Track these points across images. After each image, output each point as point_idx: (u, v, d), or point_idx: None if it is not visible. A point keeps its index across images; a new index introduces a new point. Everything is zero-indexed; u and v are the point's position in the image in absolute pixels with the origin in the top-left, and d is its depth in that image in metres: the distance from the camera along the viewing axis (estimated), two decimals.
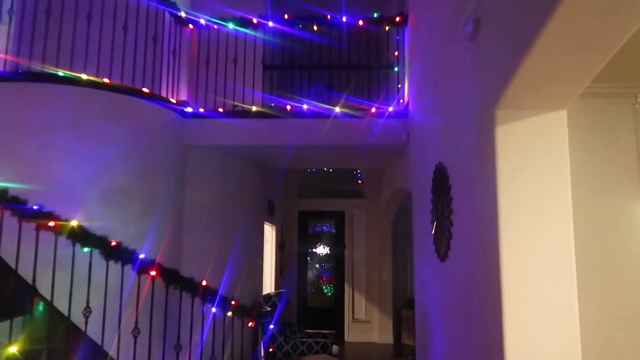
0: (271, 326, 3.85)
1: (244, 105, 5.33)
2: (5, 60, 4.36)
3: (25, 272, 3.28)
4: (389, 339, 8.73)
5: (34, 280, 3.23)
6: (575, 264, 2.20)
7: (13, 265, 3.25)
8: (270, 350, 5.08)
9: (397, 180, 6.27)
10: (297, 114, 5.22)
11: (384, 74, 6.46)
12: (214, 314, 3.72)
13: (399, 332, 8.77)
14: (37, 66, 4.23)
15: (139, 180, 4.44)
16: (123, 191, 4.28)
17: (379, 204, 8.96)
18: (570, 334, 2.16)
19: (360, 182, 9.62)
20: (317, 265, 9.79)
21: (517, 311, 2.18)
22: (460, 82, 2.97)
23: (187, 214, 5.08)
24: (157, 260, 3.54)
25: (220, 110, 5.25)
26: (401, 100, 5.53)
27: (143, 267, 3.43)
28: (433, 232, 3.70)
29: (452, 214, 3.20)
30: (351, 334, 9.03)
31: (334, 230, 9.74)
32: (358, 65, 6.02)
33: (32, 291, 3.34)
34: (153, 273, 3.46)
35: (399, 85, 5.67)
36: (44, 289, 3.34)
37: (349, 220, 9.47)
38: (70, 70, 4.20)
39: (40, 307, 3.49)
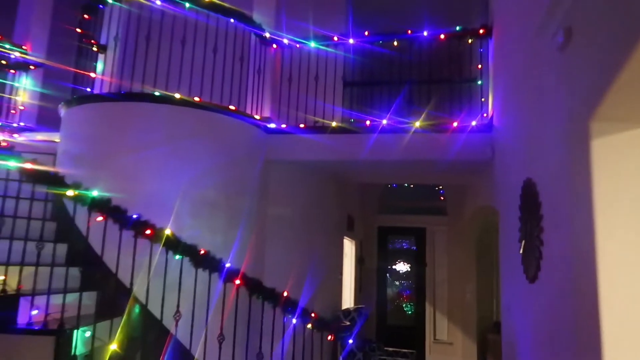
0: (350, 341, 3.83)
1: (324, 121, 5.44)
2: (110, 82, 4.81)
3: (122, 277, 3.56)
4: None
5: (131, 284, 3.48)
6: None
7: (114, 270, 3.54)
8: None
9: (482, 197, 6.04)
10: (376, 129, 5.22)
11: (466, 88, 6.29)
12: (294, 325, 3.78)
13: (484, 358, 8.34)
14: (137, 87, 4.62)
15: (225, 193, 4.66)
16: (211, 203, 4.51)
17: (461, 221, 8.66)
18: None
19: (442, 198, 9.37)
20: (397, 282, 9.63)
21: (618, 341, 2.00)
22: (549, 93, 2.83)
23: (269, 227, 5.24)
24: (241, 270, 3.69)
25: (302, 126, 5.39)
26: (485, 115, 5.35)
27: (229, 276, 3.58)
28: (521, 251, 3.51)
29: (542, 232, 3.02)
30: (432, 355, 8.75)
31: (414, 247, 9.55)
32: (439, 80, 5.93)
33: (129, 295, 3.61)
34: (238, 282, 3.61)
35: (482, 99, 5.49)
36: (139, 293, 3.60)
37: (430, 237, 9.25)
38: (166, 90, 4.54)
39: (137, 309, 3.75)
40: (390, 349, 6.30)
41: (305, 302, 3.98)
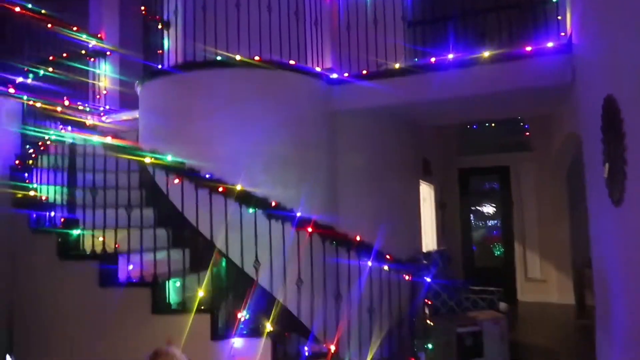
0: (428, 279, 3.85)
1: (388, 65, 5.29)
2: (176, 55, 5.02)
3: (205, 234, 3.82)
4: (569, 299, 8.00)
5: (211, 237, 3.73)
6: None
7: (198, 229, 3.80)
8: (428, 302, 5.11)
9: (566, 125, 5.62)
10: (442, 65, 4.98)
11: (539, 9, 5.75)
12: (370, 267, 3.86)
13: (582, 292, 7.97)
14: (200, 56, 4.78)
15: (294, 148, 4.76)
16: (281, 160, 4.64)
17: (549, 155, 8.15)
18: None
19: (527, 133, 8.84)
20: (482, 224, 9.39)
21: None
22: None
23: (341, 178, 5.29)
24: (312, 219, 3.80)
25: (364, 72, 5.28)
26: (562, 34, 4.89)
27: (300, 224, 3.71)
28: (606, 175, 3.26)
29: (625, 151, 2.78)
30: (524, 294, 8.54)
31: (497, 186, 9.20)
32: (508, 5, 5.48)
33: (213, 249, 3.86)
34: (310, 230, 3.73)
35: (559, 17, 5.01)
36: (221, 247, 3.85)
37: (515, 175, 8.85)
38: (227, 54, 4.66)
39: (223, 262, 4.01)
40: (477, 288, 6.21)
41: (380, 245, 4.02)
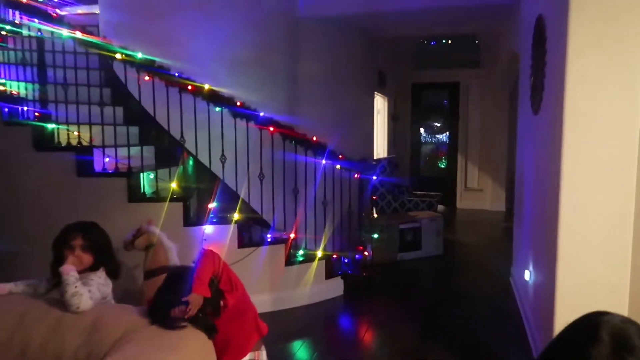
0: (374, 177, 4.37)
1: None
2: None
3: (174, 132, 4.11)
4: (500, 206, 8.97)
5: (181, 136, 4.04)
6: None
7: (166, 127, 4.09)
8: (374, 198, 5.72)
9: (510, 42, 6.04)
10: None
11: None
12: (324, 165, 4.33)
13: (512, 201, 8.92)
14: None
15: (258, 52, 4.96)
16: (245, 62, 4.86)
17: (495, 72, 8.66)
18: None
19: (477, 44, 9.22)
20: (430, 138, 10.03)
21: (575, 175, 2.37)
22: None
23: (301, 83, 5.57)
24: (274, 119, 4.16)
25: None
26: None
27: (263, 123, 4.07)
28: (530, 87, 3.75)
29: (545, 65, 3.24)
30: (463, 202, 9.42)
31: (445, 102, 9.73)
32: None
33: (182, 147, 4.18)
34: (271, 129, 4.11)
35: None
36: (189, 145, 4.18)
37: (464, 91, 9.36)
38: None
39: (190, 160, 4.36)
40: (419, 192, 6.91)
41: (334, 147, 4.47)
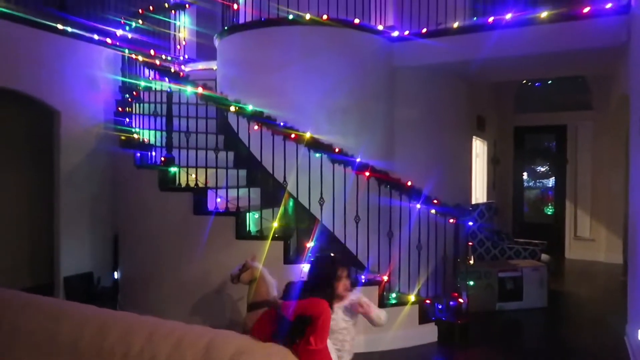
0: (470, 223, 4.33)
1: (447, 24, 5.56)
2: (252, 11, 5.54)
3: (277, 176, 4.46)
4: (617, 258, 8.18)
5: (284, 179, 4.37)
6: None
7: (270, 171, 4.46)
8: (470, 244, 5.59)
9: (621, 85, 5.72)
10: (499, 25, 5.21)
11: None
12: (419, 210, 4.39)
13: None
14: (273, 13, 5.27)
15: (355, 101, 5.24)
16: (343, 111, 5.15)
17: (608, 113, 8.14)
18: None
19: (588, 89, 8.78)
20: (534, 182, 9.58)
21: None
22: None
23: (398, 130, 5.73)
24: (370, 164, 4.35)
25: (424, 31, 5.59)
26: None
27: (360, 168, 4.27)
28: None
29: None
30: (572, 252, 8.78)
31: (553, 144, 9.28)
32: None
33: (284, 189, 4.50)
34: (367, 174, 4.29)
35: None
36: (291, 189, 4.49)
37: (571, 134, 8.88)
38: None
39: (291, 202, 4.66)
40: (522, 240, 6.60)
41: (429, 191, 4.52)
